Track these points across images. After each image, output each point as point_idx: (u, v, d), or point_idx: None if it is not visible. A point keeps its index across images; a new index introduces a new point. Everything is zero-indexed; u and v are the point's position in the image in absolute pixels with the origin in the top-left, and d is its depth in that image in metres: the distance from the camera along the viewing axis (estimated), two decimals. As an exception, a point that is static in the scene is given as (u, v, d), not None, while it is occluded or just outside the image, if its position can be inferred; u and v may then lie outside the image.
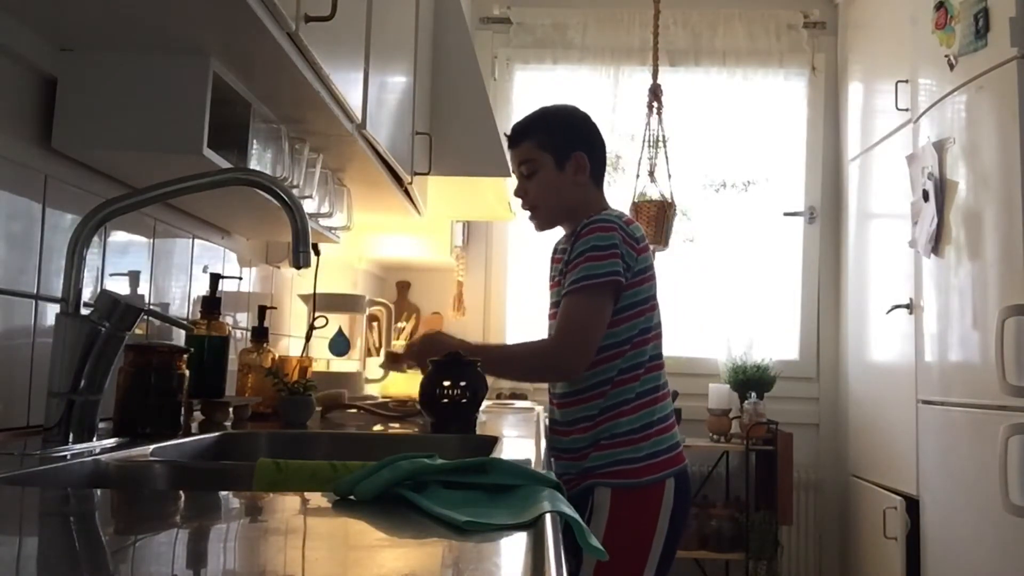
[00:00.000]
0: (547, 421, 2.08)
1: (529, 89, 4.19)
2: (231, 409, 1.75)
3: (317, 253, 2.21)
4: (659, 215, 3.48)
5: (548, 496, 0.78)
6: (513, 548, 0.65)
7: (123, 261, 1.65)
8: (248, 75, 1.53)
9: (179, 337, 1.81)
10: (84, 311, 1.21)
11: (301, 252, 1.28)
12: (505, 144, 2.16)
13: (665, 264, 3.50)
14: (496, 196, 3.25)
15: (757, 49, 4.06)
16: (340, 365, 2.47)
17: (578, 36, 4.10)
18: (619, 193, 3.59)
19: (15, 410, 1.34)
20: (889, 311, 3.29)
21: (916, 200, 3.02)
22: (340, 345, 2.46)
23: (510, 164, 2.10)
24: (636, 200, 3.53)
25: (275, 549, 0.67)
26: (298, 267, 1.29)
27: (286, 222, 1.27)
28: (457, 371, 1.72)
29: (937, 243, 2.86)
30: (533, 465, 1.00)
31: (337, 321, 2.44)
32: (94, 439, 1.19)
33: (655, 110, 3.60)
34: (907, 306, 3.18)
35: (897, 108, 3.23)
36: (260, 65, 1.47)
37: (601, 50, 4.09)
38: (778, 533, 3.61)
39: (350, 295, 2.76)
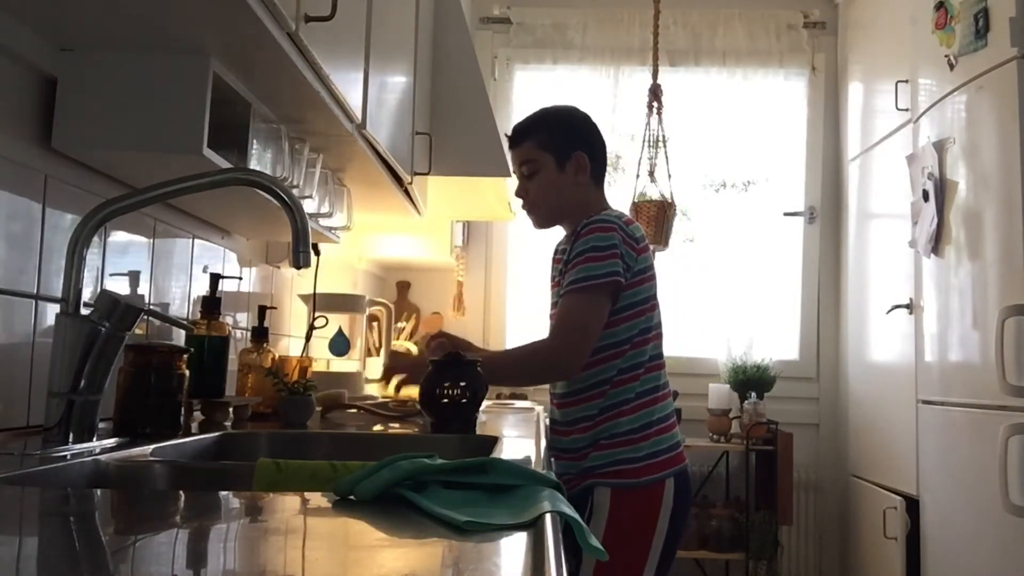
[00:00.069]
0: (547, 421, 2.08)
1: (529, 89, 4.19)
2: (231, 409, 1.74)
3: (317, 253, 2.21)
4: (659, 215, 3.48)
5: (548, 496, 0.78)
6: (513, 548, 0.65)
7: (123, 261, 1.65)
8: (248, 75, 1.53)
9: (179, 337, 1.81)
10: (84, 311, 1.21)
11: (301, 252, 1.28)
12: (506, 144, 2.16)
13: (665, 264, 3.50)
14: (496, 196, 3.25)
15: (757, 49, 4.06)
16: (340, 365, 2.47)
17: (578, 36, 4.10)
18: (619, 193, 3.59)
19: (15, 410, 1.34)
20: (889, 311, 3.29)
21: (916, 200, 3.02)
22: (340, 345, 2.46)
23: (511, 164, 2.10)
24: (636, 200, 3.53)
25: (275, 549, 0.67)
26: (298, 267, 1.29)
27: (286, 222, 1.27)
28: (457, 371, 1.72)
29: (937, 243, 2.86)
30: (533, 464, 1.00)
31: (337, 321, 2.44)
32: (94, 439, 1.19)
33: (655, 110, 3.60)
34: (907, 306, 3.18)
35: (897, 108, 3.23)
36: (260, 65, 1.47)
37: (601, 50, 4.09)
38: (778, 533, 3.61)
39: (350, 295, 2.76)
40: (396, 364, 2.09)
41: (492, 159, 2.84)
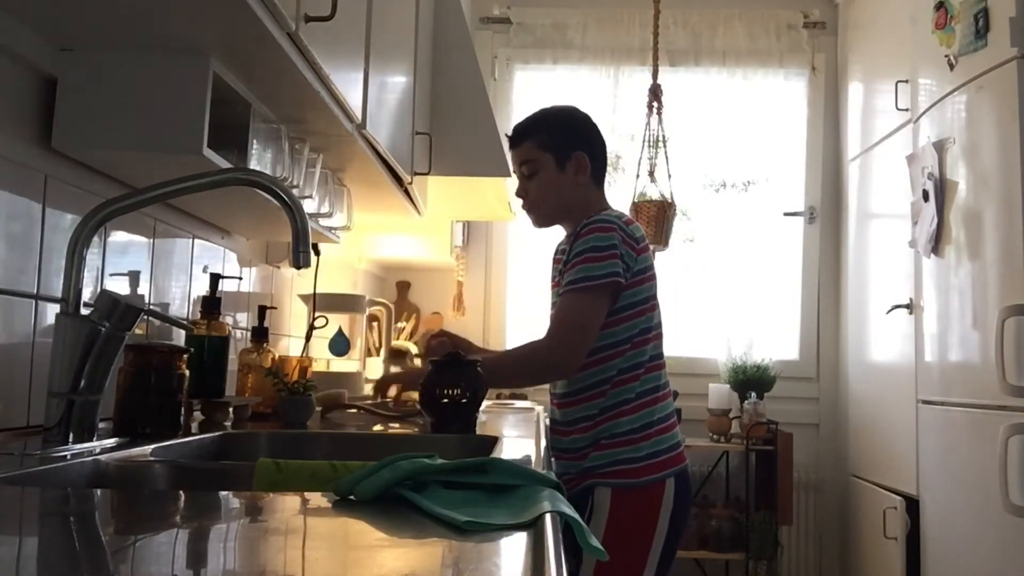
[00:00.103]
0: (547, 421, 2.08)
1: (529, 89, 4.19)
2: (231, 409, 1.75)
3: (317, 253, 2.21)
4: (659, 215, 3.48)
5: (548, 496, 0.78)
6: (513, 548, 0.65)
7: (123, 261, 1.65)
8: (248, 75, 1.53)
9: (179, 337, 1.81)
10: (84, 311, 1.21)
11: (301, 252, 1.28)
12: (506, 144, 2.16)
13: (665, 264, 3.50)
14: (496, 196, 3.25)
15: (757, 49, 4.06)
16: (340, 365, 2.47)
17: (578, 36, 4.11)
18: (619, 193, 3.59)
19: (15, 410, 1.34)
20: (889, 311, 3.29)
21: (916, 200, 3.02)
22: (340, 345, 2.46)
23: (511, 164, 2.10)
24: (636, 200, 3.53)
25: (275, 549, 0.67)
26: (298, 267, 1.29)
27: (286, 222, 1.27)
28: (457, 371, 1.72)
29: (937, 243, 2.86)
30: (533, 464, 1.00)
31: (337, 321, 2.44)
32: (94, 439, 1.19)
33: (655, 110, 3.60)
34: (907, 306, 3.18)
35: (897, 108, 3.23)
36: (260, 65, 1.47)
37: (601, 50, 4.09)
38: (778, 533, 3.61)
39: (350, 295, 2.76)
40: (389, 379, 2.08)
41: (492, 159, 2.84)
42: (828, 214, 4.06)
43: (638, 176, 3.58)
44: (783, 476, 3.57)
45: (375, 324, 2.93)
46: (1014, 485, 2.36)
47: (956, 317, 2.79)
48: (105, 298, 1.22)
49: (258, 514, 0.80)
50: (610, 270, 1.84)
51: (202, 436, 1.40)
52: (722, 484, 3.82)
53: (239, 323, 2.22)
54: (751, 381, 3.70)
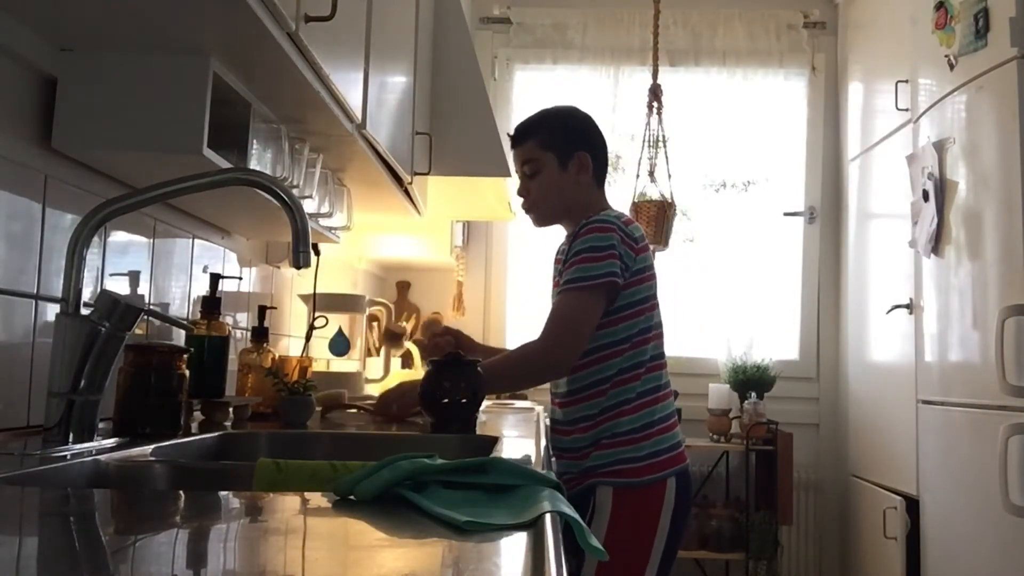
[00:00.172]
0: (548, 421, 2.08)
1: (529, 89, 4.19)
2: (231, 409, 1.75)
3: (317, 253, 2.21)
4: (659, 215, 3.48)
5: (548, 496, 0.78)
6: (513, 548, 0.65)
7: (123, 261, 1.65)
8: (248, 75, 1.53)
9: (179, 337, 1.81)
10: (84, 311, 1.21)
11: (301, 252, 1.28)
12: (506, 144, 2.16)
13: (665, 264, 3.50)
14: (496, 196, 3.25)
15: (757, 49, 4.06)
16: (340, 365, 2.47)
17: (578, 36, 4.11)
18: (619, 193, 3.59)
19: (15, 410, 1.34)
20: (889, 311, 3.29)
21: (916, 200, 3.02)
22: (340, 345, 2.46)
23: (512, 164, 2.09)
24: (636, 200, 3.53)
25: (275, 549, 0.67)
26: (298, 267, 1.29)
27: (286, 222, 1.27)
28: (457, 371, 1.72)
29: (937, 243, 2.86)
30: (533, 464, 1.00)
31: (337, 321, 2.44)
32: (94, 439, 1.19)
33: (655, 110, 3.60)
34: (907, 306, 3.18)
35: (897, 108, 3.23)
36: (260, 65, 1.47)
37: (601, 50, 4.09)
38: (778, 533, 3.61)
39: (350, 295, 2.76)
40: (385, 404, 1.97)
41: (492, 159, 2.84)
42: (828, 214, 4.06)
43: (638, 176, 3.58)
44: (783, 476, 3.57)
45: (375, 324, 2.93)
46: (1014, 485, 2.36)
47: (956, 317, 2.79)
48: (105, 298, 1.22)
49: (258, 514, 0.80)
50: (607, 270, 1.84)
51: (202, 436, 1.40)
52: (722, 484, 3.82)
53: (239, 323, 2.22)
54: (751, 381, 3.70)
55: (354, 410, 2.03)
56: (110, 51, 1.41)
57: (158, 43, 1.38)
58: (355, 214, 2.43)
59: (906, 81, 3.20)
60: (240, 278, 2.19)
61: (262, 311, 2.03)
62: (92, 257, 1.49)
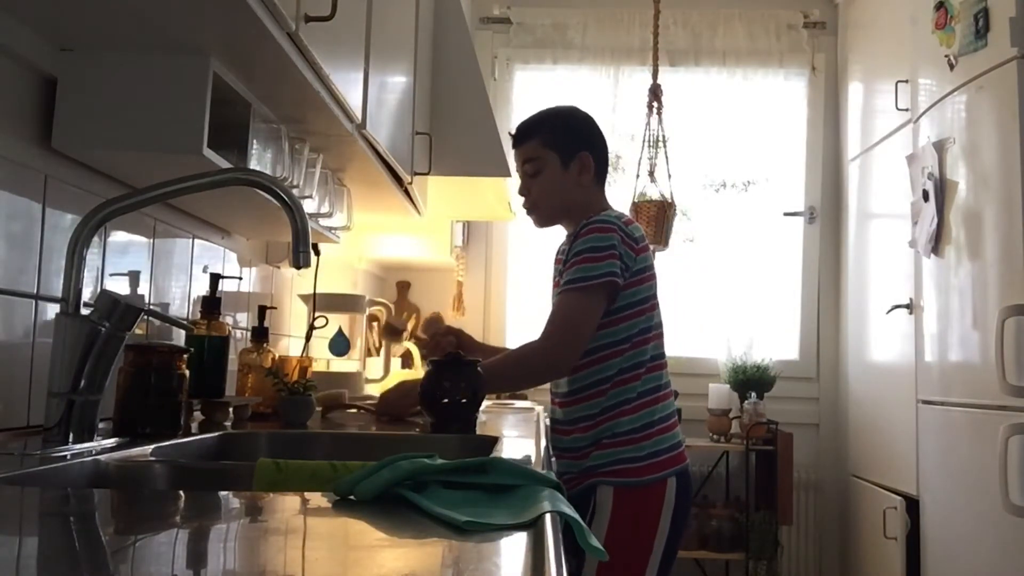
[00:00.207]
0: (548, 421, 2.09)
1: (529, 89, 4.19)
2: (231, 409, 1.75)
3: (317, 253, 2.21)
4: (659, 215, 3.48)
5: (548, 496, 0.78)
6: (513, 548, 0.65)
7: (123, 261, 1.65)
8: (248, 75, 1.53)
9: (179, 337, 1.81)
10: (84, 311, 1.21)
11: (301, 252, 1.28)
12: (506, 144, 2.16)
13: (665, 264, 3.50)
14: (496, 196, 3.25)
15: (757, 49, 4.06)
16: (340, 365, 2.47)
17: (578, 36, 4.11)
18: (619, 193, 3.59)
19: (15, 410, 1.34)
20: (889, 311, 3.29)
21: (916, 200, 3.02)
22: (340, 345, 2.46)
23: (513, 163, 2.09)
24: (636, 200, 3.53)
25: (275, 549, 0.67)
26: (298, 267, 1.29)
27: (286, 222, 1.27)
28: (457, 371, 1.72)
29: (937, 243, 2.86)
30: (533, 464, 1.00)
31: (337, 321, 2.44)
32: (94, 439, 1.19)
33: (655, 110, 3.60)
34: (907, 306, 3.18)
35: (897, 108, 3.23)
36: (260, 65, 1.47)
37: (601, 50, 4.09)
38: (778, 533, 3.61)
39: (350, 295, 2.76)
40: (386, 403, 1.96)
41: (492, 159, 2.84)
42: (828, 214, 4.06)
43: (638, 176, 3.58)
44: (783, 476, 3.57)
45: (375, 324, 2.93)
46: (1014, 485, 2.36)
47: (956, 317, 2.79)
48: (105, 298, 1.22)
49: (258, 514, 0.80)
50: (607, 270, 1.84)
51: (202, 436, 1.40)
52: (722, 484, 3.82)
53: (239, 323, 2.22)
54: (751, 381, 3.70)
55: (355, 410, 2.03)
56: (110, 51, 1.41)
57: (158, 43, 1.38)
58: (355, 214, 2.43)
59: (906, 81, 3.20)
60: (240, 278, 2.19)
61: (262, 311, 2.03)
62: (92, 257, 1.49)
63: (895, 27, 3.35)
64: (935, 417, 2.90)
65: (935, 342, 2.92)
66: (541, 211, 2.03)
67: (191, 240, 1.95)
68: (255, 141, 1.61)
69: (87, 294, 1.30)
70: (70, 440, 1.17)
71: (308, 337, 2.20)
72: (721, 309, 4.03)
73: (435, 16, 2.92)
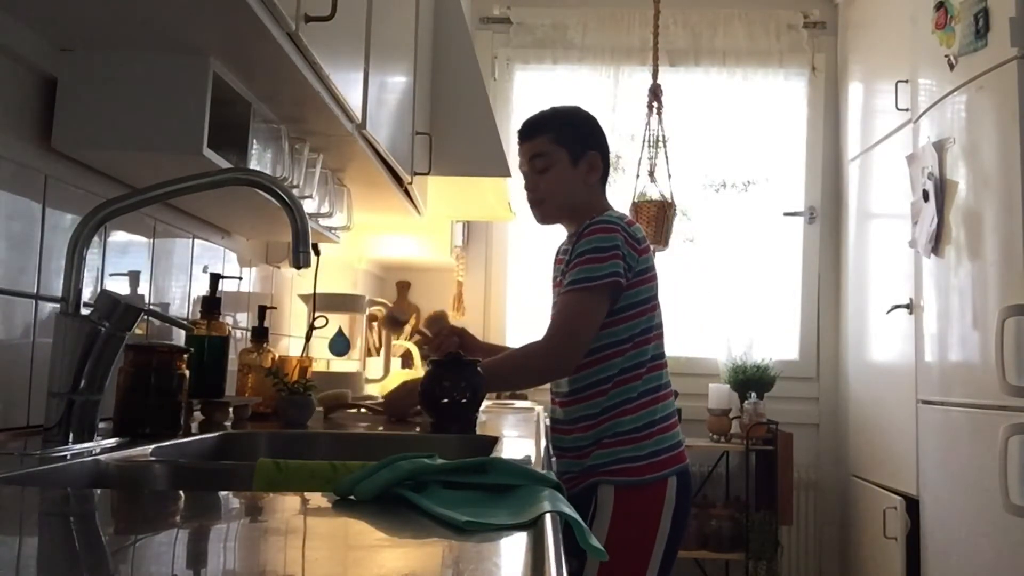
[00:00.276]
0: (548, 420, 2.09)
1: (529, 89, 4.19)
2: (231, 409, 1.75)
3: (317, 253, 2.21)
4: (659, 215, 3.48)
5: (548, 496, 0.78)
6: (513, 548, 0.65)
7: (123, 261, 1.65)
8: (248, 75, 1.53)
9: (179, 337, 1.81)
10: (84, 311, 1.21)
11: (301, 252, 1.28)
12: (506, 144, 2.16)
13: (665, 264, 3.49)
14: (496, 196, 3.25)
15: (757, 49, 4.06)
16: (340, 365, 2.47)
17: (578, 36, 4.10)
18: (619, 193, 3.59)
19: (15, 410, 1.34)
20: (889, 311, 3.29)
21: (916, 200, 3.02)
22: (340, 345, 2.46)
23: (519, 157, 2.07)
24: (636, 200, 3.53)
25: (275, 549, 0.67)
26: (298, 267, 1.29)
27: (286, 222, 1.27)
28: (457, 371, 1.72)
29: (937, 243, 2.86)
30: (533, 464, 1.00)
31: (337, 321, 2.44)
32: (94, 439, 1.19)
33: (655, 110, 3.60)
34: (907, 306, 3.18)
35: (897, 108, 3.23)
36: (260, 65, 1.47)
37: (601, 50, 4.09)
38: (778, 533, 3.61)
39: (350, 295, 2.76)
40: (391, 403, 1.96)
41: (492, 159, 2.84)
42: (828, 214, 4.06)
43: (638, 176, 3.58)
44: (783, 476, 3.57)
45: (375, 324, 2.93)
46: (1014, 485, 2.36)
47: (956, 317, 2.79)
48: (105, 298, 1.22)
49: (258, 514, 0.80)
50: (611, 270, 1.85)
51: (202, 436, 1.40)
52: (722, 484, 3.82)
53: (239, 323, 2.22)
54: (751, 381, 3.70)
55: (353, 410, 2.03)
56: (110, 51, 1.41)
57: (158, 43, 1.38)
58: (355, 214, 2.43)
59: (906, 81, 3.20)
60: (240, 278, 2.19)
61: (262, 311, 2.03)
62: (92, 257, 1.49)
63: (895, 27, 3.35)
64: (935, 417, 2.90)
65: (935, 342, 2.92)
66: (547, 207, 2.02)
67: (191, 240, 1.95)
68: (255, 141, 1.61)
69: (87, 294, 1.30)
70: (70, 440, 1.17)
71: (308, 337, 2.20)
72: (721, 309, 4.03)
73: (435, 16, 2.92)
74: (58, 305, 1.21)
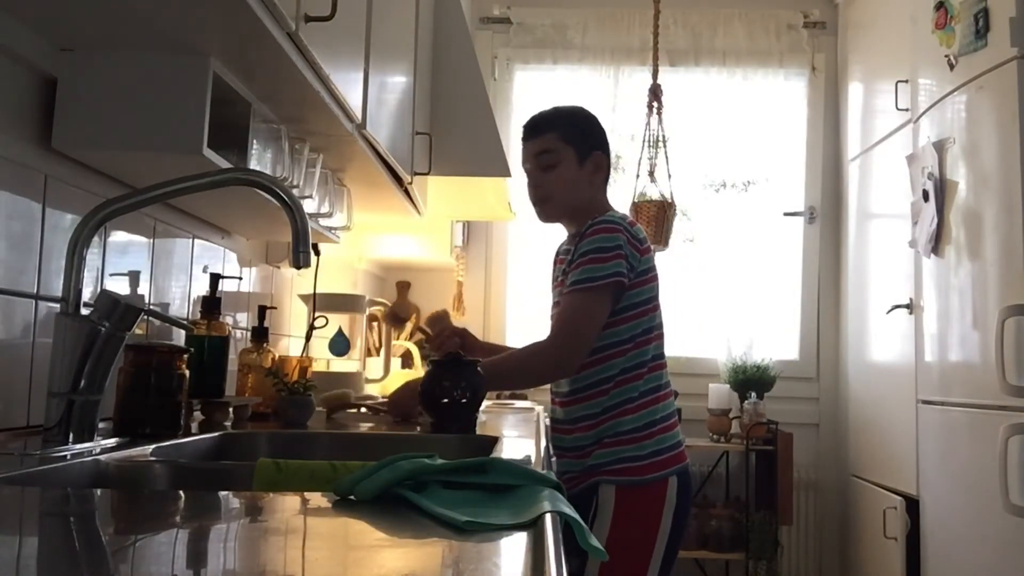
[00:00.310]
0: (547, 420, 2.09)
1: (529, 89, 4.19)
2: (231, 409, 1.75)
3: (317, 253, 2.21)
4: (659, 215, 3.48)
5: (548, 496, 0.78)
6: (513, 548, 0.65)
7: (123, 261, 1.65)
8: (248, 75, 1.53)
9: (179, 337, 1.81)
10: (84, 311, 1.21)
11: (301, 252, 1.28)
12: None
13: (665, 264, 3.47)
14: (496, 196, 3.25)
15: (757, 49, 4.06)
16: (340, 365, 2.47)
17: (578, 36, 4.10)
18: (619, 193, 3.59)
19: (15, 410, 1.34)
20: (889, 311, 3.29)
21: (916, 200, 3.02)
22: (340, 345, 2.46)
23: (523, 154, 2.06)
24: (636, 200, 3.53)
25: (275, 549, 0.67)
26: (298, 267, 1.29)
27: (286, 222, 1.27)
28: (457, 371, 1.72)
29: (937, 243, 2.86)
30: (533, 464, 1.00)
31: (337, 321, 2.44)
32: (94, 439, 1.19)
33: (655, 110, 3.60)
34: (907, 306, 3.18)
35: (897, 108, 3.23)
36: (260, 65, 1.47)
37: (601, 50, 4.09)
38: (778, 533, 3.61)
39: (350, 295, 2.76)
40: (396, 406, 1.96)
41: (492, 159, 2.84)
42: (828, 214, 4.06)
43: (638, 176, 3.58)
44: (783, 476, 3.57)
45: (375, 324, 2.93)
46: (1014, 485, 2.36)
47: (956, 317, 2.79)
48: (105, 298, 1.22)
49: (258, 514, 0.80)
50: (613, 270, 1.85)
51: (202, 436, 1.40)
52: (722, 484, 3.82)
53: (239, 323, 2.22)
54: (751, 381, 3.70)
55: (354, 410, 2.03)
56: (110, 51, 1.41)
57: (158, 43, 1.38)
58: (355, 214, 2.42)
59: (906, 81, 3.20)
60: (240, 278, 2.19)
61: (262, 311, 2.03)
62: (92, 257, 1.49)
63: (895, 27, 3.35)
64: (935, 417, 2.90)
65: (935, 342, 2.92)
66: (552, 204, 2.02)
67: (191, 240, 1.95)
68: (255, 141, 1.61)
69: (87, 294, 1.30)
70: (70, 440, 1.17)
71: (308, 337, 2.20)
72: (721, 309, 4.03)
73: (435, 16, 2.92)
74: (58, 305, 1.21)
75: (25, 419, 1.35)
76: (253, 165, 1.61)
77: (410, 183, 2.52)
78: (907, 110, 3.19)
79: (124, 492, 1.00)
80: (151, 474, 1.09)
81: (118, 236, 1.63)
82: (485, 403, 1.95)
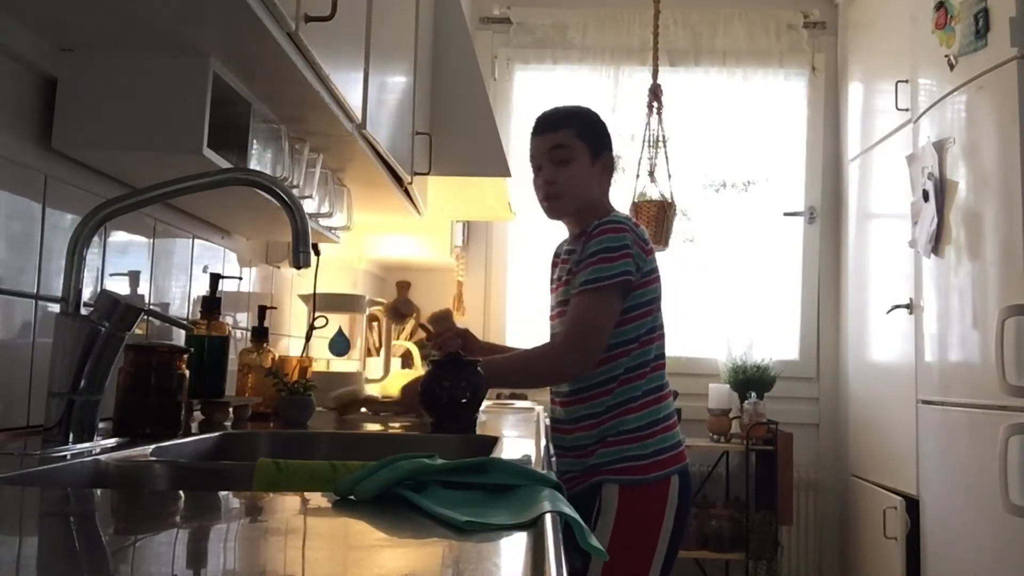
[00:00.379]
0: (547, 420, 2.09)
1: (529, 89, 4.19)
2: (231, 409, 1.75)
3: (317, 253, 2.21)
4: (659, 215, 3.48)
5: (548, 496, 0.78)
6: (513, 548, 0.65)
7: (123, 261, 1.65)
8: (248, 75, 1.53)
9: (179, 337, 1.81)
10: (84, 311, 1.21)
11: (301, 252, 1.28)
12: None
13: (665, 264, 3.47)
14: (496, 196, 3.25)
15: (757, 49, 4.06)
16: (340, 365, 2.47)
17: (578, 36, 4.10)
18: (619, 193, 3.58)
19: (15, 410, 1.34)
20: (889, 311, 3.29)
21: (916, 200, 3.02)
22: (340, 345, 2.46)
23: (534, 149, 2.04)
24: (636, 200, 3.53)
25: (275, 549, 0.67)
26: (298, 267, 1.29)
27: (286, 222, 1.27)
28: (457, 371, 1.72)
29: (937, 243, 2.86)
30: (533, 464, 1.00)
31: (337, 321, 2.44)
32: (94, 439, 1.19)
33: (655, 110, 3.60)
34: (907, 306, 3.18)
35: (897, 108, 3.23)
36: (260, 65, 1.47)
37: (601, 50, 4.09)
38: (778, 533, 3.61)
39: (350, 295, 2.76)
40: (406, 404, 1.97)
41: (492, 159, 2.84)
42: (828, 214, 4.06)
43: (638, 176, 3.58)
44: (783, 476, 3.57)
45: (375, 324, 2.93)
46: (1014, 485, 2.36)
47: (956, 317, 2.79)
48: (105, 298, 1.22)
49: (258, 514, 0.80)
50: (621, 269, 1.87)
51: (202, 436, 1.40)
52: (722, 484, 3.82)
53: (239, 323, 2.22)
54: (751, 381, 3.70)
55: (364, 409, 2.03)
56: (110, 51, 1.41)
57: (158, 43, 1.38)
58: (355, 214, 2.42)
59: (906, 81, 3.20)
60: (240, 278, 2.19)
61: (262, 311, 2.03)
62: (92, 257, 1.49)
63: (895, 27, 3.35)
64: (935, 417, 2.90)
65: (935, 342, 2.92)
66: (562, 201, 2.01)
67: (191, 240, 1.95)
68: (255, 141, 1.61)
69: (87, 294, 1.30)
70: (70, 440, 1.17)
71: (308, 337, 2.20)
72: (721, 309, 4.03)
73: (435, 16, 2.92)
74: (58, 305, 1.21)
75: (25, 419, 1.35)
76: (253, 165, 1.61)
77: (410, 183, 2.52)
78: (907, 110, 3.19)
79: (124, 492, 1.00)
80: (151, 474, 1.09)
81: (118, 236, 1.63)
82: (485, 403, 1.95)
